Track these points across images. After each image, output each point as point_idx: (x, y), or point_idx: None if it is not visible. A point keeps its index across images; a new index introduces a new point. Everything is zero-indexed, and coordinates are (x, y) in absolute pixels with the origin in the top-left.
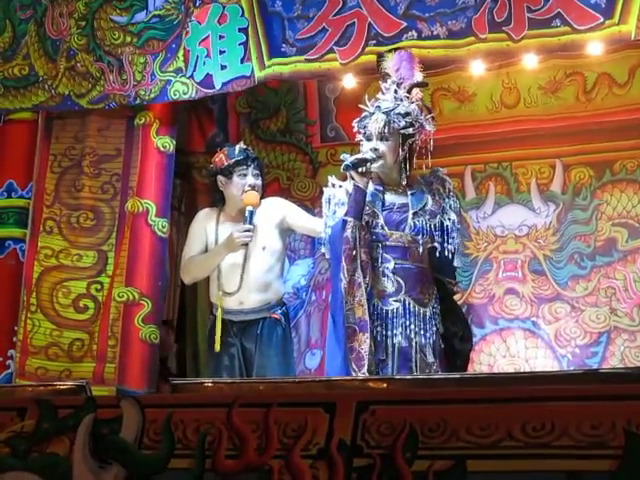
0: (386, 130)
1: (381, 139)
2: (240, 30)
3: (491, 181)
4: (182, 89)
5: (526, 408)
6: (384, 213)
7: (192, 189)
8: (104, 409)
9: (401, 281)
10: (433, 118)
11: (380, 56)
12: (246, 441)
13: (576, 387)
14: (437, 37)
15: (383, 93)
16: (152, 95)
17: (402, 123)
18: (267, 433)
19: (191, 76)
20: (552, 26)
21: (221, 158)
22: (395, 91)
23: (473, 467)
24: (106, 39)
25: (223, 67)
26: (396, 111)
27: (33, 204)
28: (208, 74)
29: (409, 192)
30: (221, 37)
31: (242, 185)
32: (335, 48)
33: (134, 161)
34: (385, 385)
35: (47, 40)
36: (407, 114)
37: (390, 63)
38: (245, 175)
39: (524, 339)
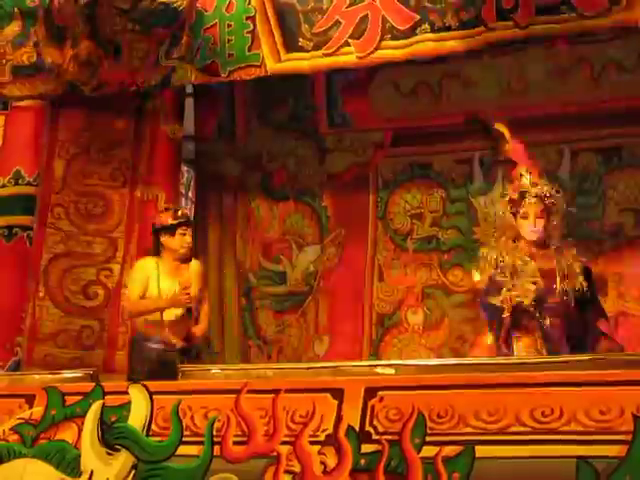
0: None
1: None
2: (247, 19)
3: (499, 167)
4: (184, 75)
5: (534, 393)
6: None
7: (200, 174)
8: (112, 396)
9: None
10: None
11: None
12: (254, 427)
13: (584, 373)
14: (449, 28)
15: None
16: (154, 82)
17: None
18: (275, 419)
19: (192, 61)
20: (559, 12)
21: (167, 217)
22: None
23: (482, 453)
24: (108, 26)
25: (230, 55)
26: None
27: (41, 191)
28: (214, 62)
29: None
30: (229, 26)
31: (182, 242)
32: (350, 41)
33: (143, 148)
34: (393, 371)
35: (54, 27)
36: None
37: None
38: (184, 235)
39: None
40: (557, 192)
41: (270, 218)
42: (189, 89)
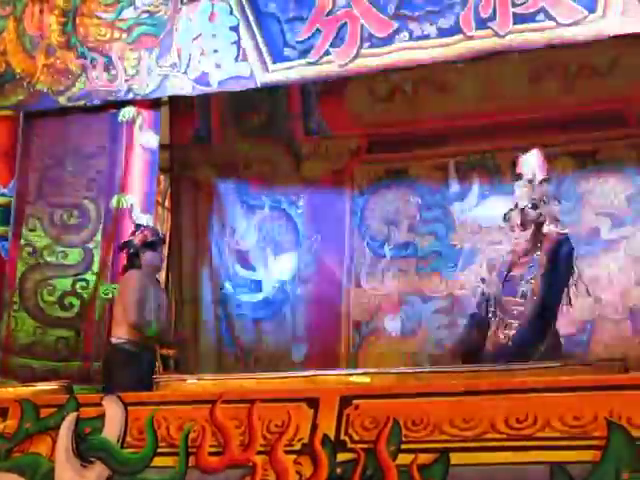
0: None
1: None
2: (231, 29)
3: (475, 172)
4: (179, 84)
5: (509, 400)
6: None
7: (175, 183)
8: (87, 407)
9: None
10: None
11: None
12: (229, 437)
13: (558, 378)
14: (428, 37)
15: None
16: (149, 89)
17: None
18: (250, 429)
19: (185, 72)
20: (537, 20)
21: (146, 234)
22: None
23: (457, 460)
24: (90, 35)
25: (218, 66)
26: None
27: (15, 202)
28: (204, 72)
29: None
30: (213, 35)
31: (160, 257)
32: (331, 49)
33: (119, 158)
34: (368, 379)
35: (25, 36)
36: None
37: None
38: (161, 251)
39: None
40: (534, 207)
41: (246, 225)
42: (164, 97)
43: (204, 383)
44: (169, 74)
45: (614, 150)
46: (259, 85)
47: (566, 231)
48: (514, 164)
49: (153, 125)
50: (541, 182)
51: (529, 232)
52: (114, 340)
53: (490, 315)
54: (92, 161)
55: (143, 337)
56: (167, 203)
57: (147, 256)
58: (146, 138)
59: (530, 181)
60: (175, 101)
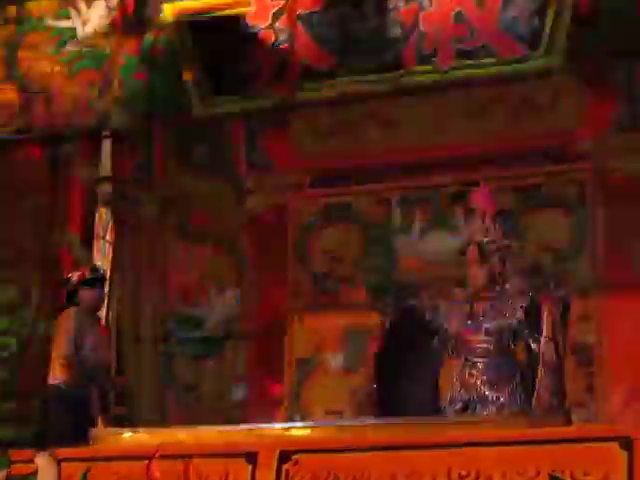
0: None
1: None
2: (173, 62)
3: (418, 207)
4: (118, 119)
5: (451, 454)
6: None
7: (117, 217)
8: (19, 464)
9: None
10: None
11: None
12: None
13: (500, 431)
14: (369, 71)
15: None
16: (89, 124)
17: None
18: None
19: (128, 106)
20: (479, 57)
21: (83, 272)
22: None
23: None
24: (32, 69)
25: (161, 99)
26: None
27: None
28: (147, 106)
29: None
30: (156, 69)
31: (99, 295)
32: (270, 83)
33: (58, 194)
34: (309, 432)
35: None
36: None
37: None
38: (102, 288)
39: None
40: (491, 241)
41: (188, 261)
42: (106, 131)
43: (140, 436)
44: (109, 108)
45: (556, 185)
46: (198, 118)
47: (561, 293)
48: (457, 198)
49: (92, 160)
50: (495, 215)
51: (487, 266)
52: (50, 380)
53: (451, 353)
54: (31, 197)
55: (79, 377)
56: (109, 236)
57: (85, 294)
58: (86, 172)
59: (483, 215)
60: (117, 134)
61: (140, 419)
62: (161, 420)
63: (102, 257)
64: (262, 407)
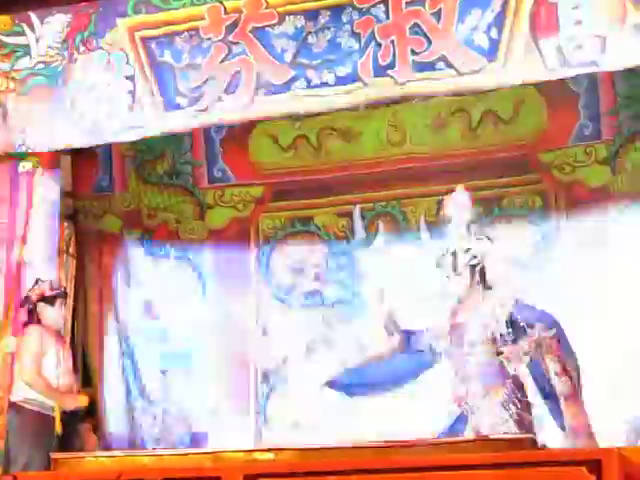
0: None
1: None
2: (127, 78)
3: (380, 220)
4: (70, 136)
5: (418, 477)
6: None
7: (79, 231)
8: None
9: None
10: None
11: None
12: None
13: (467, 455)
14: (326, 84)
15: None
16: (40, 142)
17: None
18: None
19: (78, 124)
20: (437, 69)
21: (43, 289)
22: None
23: None
24: None
25: (111, 115)
26: None
27: None
28: (98, 122)
29: None
30: (108, 85)
31: (61, 312)
32: (223, 96)
33: (20, 209)
34: (272, 456)
35: None
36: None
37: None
38: (62, 305)
39: None
40: (467, 250)
41: (151, 275)
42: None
43: (104, 460)
44: (60, 126)
45: (519, 196)
46: (150, 134)
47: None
48: (419, 211)
49: (53, 175)
50: (470, 223)
51: (465, 276)
52: (12, 398)
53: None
54: None
55: (41, 395)
56: (72, 249)
57: (45, 312)
58: (46, 188)
59: (458, 223)
60: (77, 150)
61: (109, 433)
62: (130, 432)
63: (65, 271)
64: (229, 420)
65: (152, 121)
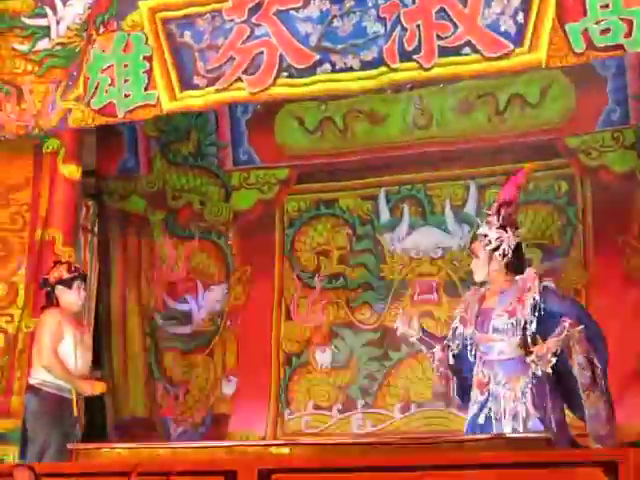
0: None
1: None
2: (145, 58)
3: (405, 203)
4: (80, 117)
5: (433, 476)
6: None
7: (103, 212)
8: None
9: None
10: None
11: None
12: None
13: (479, 454)
14: (350, 69)
15: None
16: (52, 124)
17: None
18: None
19: (88, 103)
20: (462, 54)
21: (61, 272)
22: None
23: None
24: (5, 67)
25: (127, 95)
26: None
27: None
28: (110, 102)
29: None
30: (125, 65)
31: (79, 295)
32: (244, 77)
33: (43, 190)
34: (288, 450)
35: None
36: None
37: None
38: (80, 287)
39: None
40: (485, 235)
41: (175, 257)
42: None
43: (120, 451)
44: (72, 107)
45: (545, 181)
46: (164, 113)
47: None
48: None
49: (76, 156)
50: (500, 207)
51: (490, 261)
52: (30, 380)
53: (472, 359)
54: (17, 194)
55: (57, 379)
56: (96, 229)
57: (63, 295)
58: (69, 170)
59: (490, 207)
60: (102, 130)
61: (129, 414)
62: (151, 413)
63: (90, 251)
64: (251, 402)
65: (165, 100)
